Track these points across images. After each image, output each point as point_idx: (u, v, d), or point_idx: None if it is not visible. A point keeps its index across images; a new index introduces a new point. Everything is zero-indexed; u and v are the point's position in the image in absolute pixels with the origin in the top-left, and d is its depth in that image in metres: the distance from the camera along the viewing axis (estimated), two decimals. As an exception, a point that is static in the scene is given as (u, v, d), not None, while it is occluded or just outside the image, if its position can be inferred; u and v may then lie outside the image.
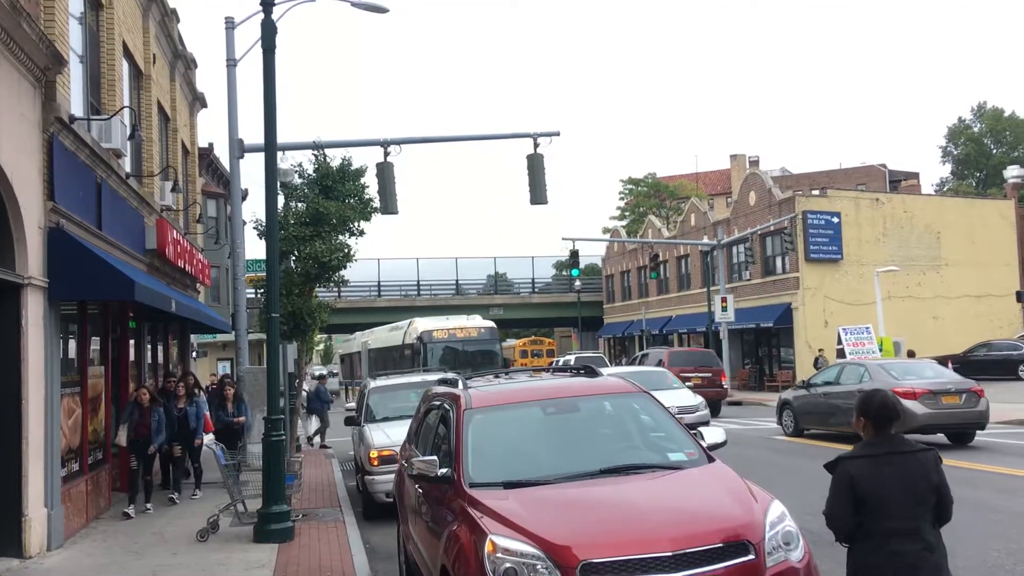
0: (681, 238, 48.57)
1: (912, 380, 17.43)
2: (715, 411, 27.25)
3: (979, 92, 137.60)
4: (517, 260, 61.22)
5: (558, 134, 19.86)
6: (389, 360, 36.17)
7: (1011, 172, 51.27)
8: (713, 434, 6.94)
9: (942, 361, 33.02)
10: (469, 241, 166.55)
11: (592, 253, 64.97)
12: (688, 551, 4.94)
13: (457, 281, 59.16)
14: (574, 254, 38.59)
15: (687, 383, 25.12)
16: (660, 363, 29.56)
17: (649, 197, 71.35)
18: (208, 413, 15.50)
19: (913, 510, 4.45)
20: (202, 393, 16.05)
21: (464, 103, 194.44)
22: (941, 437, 17.19)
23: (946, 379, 17.90)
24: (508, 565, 5.03)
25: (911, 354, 33.74)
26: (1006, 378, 31.73)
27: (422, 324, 32.72)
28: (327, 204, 16.77)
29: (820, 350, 35.97)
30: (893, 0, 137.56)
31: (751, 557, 5.03)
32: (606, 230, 68.76)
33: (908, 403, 16.18)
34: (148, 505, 13.24)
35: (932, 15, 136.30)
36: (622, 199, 74.66)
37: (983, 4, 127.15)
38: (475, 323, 33.34)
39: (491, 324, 33.72)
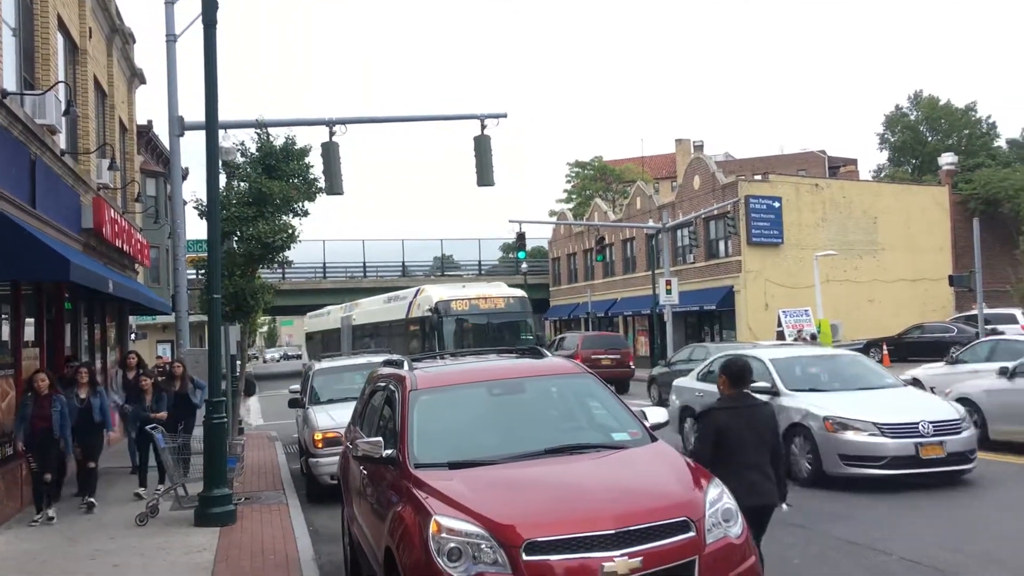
0: (627, 221, 48.93)
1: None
2: (622, 389, 28.19)
3: (916, 81, 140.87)
4: (464, 242, 61.10)
5: (505, 116, 19.81)
6: (387, 338, 30.24)
7: (945, 159, 52.57)
8: (656, 414, 7.04)
9: (876, 343, 34.01)
10: (416, 223, 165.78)
11: (539, 236, 65.22)
12: (631, 529, 5.02)
13: (403, 263, 58.83)
14: (521, 236, 38.63)
15: (600, 364, 27.39)
16: (576, 346, 31.26)
17: (595, 180, 71.69)
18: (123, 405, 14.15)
19: (759, 449, 6.12)
20: (122, 375, 14.77)
21: (412, 84, 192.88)
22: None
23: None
24: (453, 545, 5.06)
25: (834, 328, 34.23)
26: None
27: (436, 293, 26.06)
28: (270, 184, 16.52)
29: (799, 330, 36.03)
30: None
31: (692, 534, 5.13)
32: (553, 213, 68.94)
33: None
34: (51, 512, 10.94)
35: (873, 4, 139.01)
36: (569, 182, 74.91)
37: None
38: (501, 291, 26.73)
39: (520, 292, 27.48)
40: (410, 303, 27.70)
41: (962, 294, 41.43)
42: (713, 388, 9.43)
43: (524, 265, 48.98)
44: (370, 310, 33.64)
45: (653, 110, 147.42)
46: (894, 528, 9.10)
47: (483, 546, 5.01)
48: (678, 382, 16.50)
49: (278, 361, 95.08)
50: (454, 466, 5.90)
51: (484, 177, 19.89)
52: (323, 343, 40.96)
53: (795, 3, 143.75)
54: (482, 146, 19.75)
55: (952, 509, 9.87)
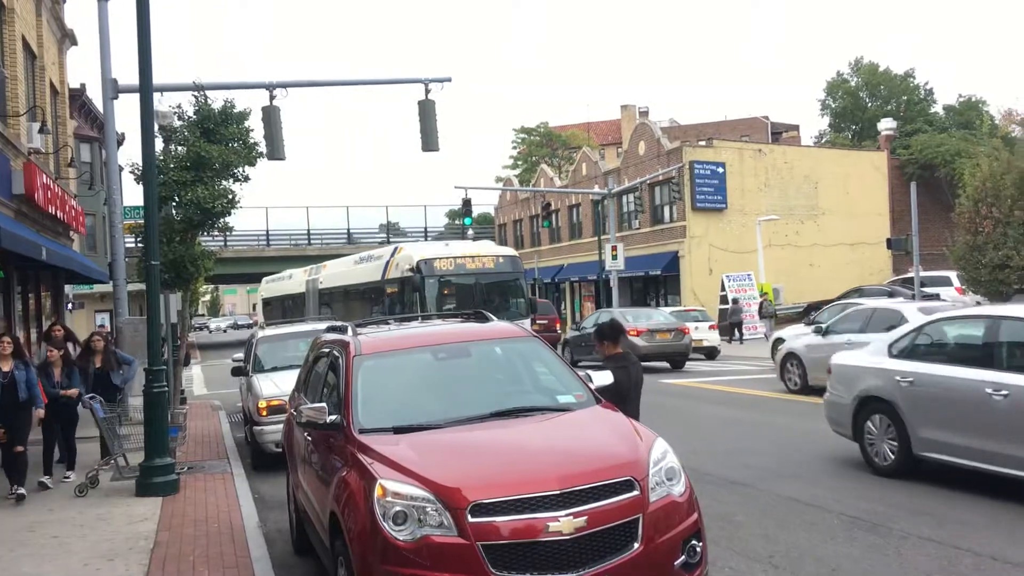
0: (573, 187, 49.00)
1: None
2: None
3: (857, 48, 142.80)
4: (410, 209, 61.22)
5: (449, 80, 19.61)
6: (359, 303, 27.62)
7: (884, 125, 53.50)
8: (601, 377, 7.07)
9: (816, 307, 34.72)
10: (361, 189, 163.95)
11: (485, 202, 65.08)
12: (576, 489, 5.05)
13: (349, 230, 58.24)
14: (467, 203, 38.46)
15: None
16: None
17: (542, 146, 71.54)
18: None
19: (638, 397, 7.46)
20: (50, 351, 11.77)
21: (355, 49, 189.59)
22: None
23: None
24: (398, 508, 5.04)
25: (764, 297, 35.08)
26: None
27: (416, 251, 23.36)
28: (209, 148, 16.11)
29: (734, 300, 36.71)
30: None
31: (636, 493, 5.18)
32: (499, 179, 68.72)
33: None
34: None
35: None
36: (515, 148, 74.65)
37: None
38: (490, 249, 24.20)
39: (511, 251, 25.11)
40: (386, 263, 24.65)
41: (899, 257, 42.43)
42: (929, 368, 8.93)
43: (470, 231, 48.82)
44: (339, 272, 30.13)
45: (599, 76, 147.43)
46: (836, 487, 9.32)
47: (429, 509, 5.01)
48: (845, 360, 11.07)
49: (225, 331, 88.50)
50: (399, 431, 5.87)
51: (429, 142, 19.72)
52: (283, 309, 37.16)
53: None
54: (426, 110, 19.55)
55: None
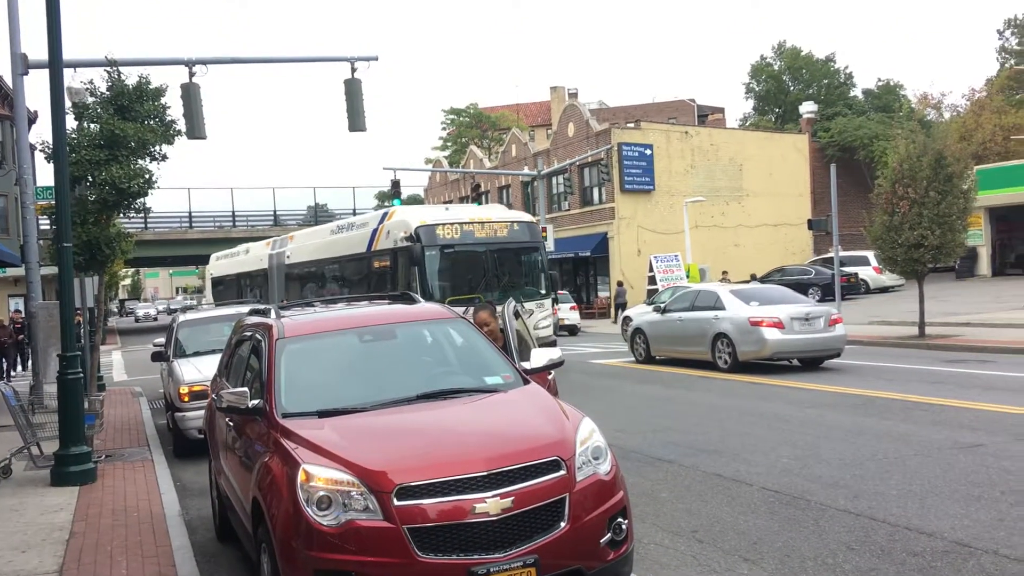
0: (502, 168, 48.94)
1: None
2: None
3: (780, 32, 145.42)
4: (338, 190, 60.19)
5: (376, 59, 19.36)
6: (339, 280, 23.74)
7: (806, 108, 54.76)
8: (544, 355, 7.09)
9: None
10: (288, 171, 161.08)
11: (414, 183, 64.68)
12: (502, 470, 5.03)
13: (275, 211, 57.29)
14: (396, 184, 38.17)
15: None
16: None
17: (471, 127, 71.25)
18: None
19: None
20: None
21: (281, 26, 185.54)
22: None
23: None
24: (322, 493, 4.96)
25: (724, 275, 36.00)
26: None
27: (413, 215, 19.68)
28: (124, 126, 15.56)
29: (619, 283, 37.83)
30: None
31: (562, 473, 5.19)
32: (428, 160, 68.32)
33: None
34: None
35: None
36: (444, 129, 74.20)
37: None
38: (502, 214, 20.72)
39: (527, 216, 21.72)
40: (374, 231, 20.68)
41: (820, 237, 43.57)
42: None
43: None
44: (312, 244, 25.65)
45: (527, 57, 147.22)
46: (755, 462, 9.52)
47: (353, 493, 4.94)
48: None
49: (155, 318, 76.54)
50: (323, 415, 5.78)
51: (355, 122, 19.44)
52: (240, 290, 32.44)
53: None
54: (353, 90, 19.26)
55: (805, 435, 10.41)
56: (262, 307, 8.50)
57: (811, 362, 17.71)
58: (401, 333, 6.90)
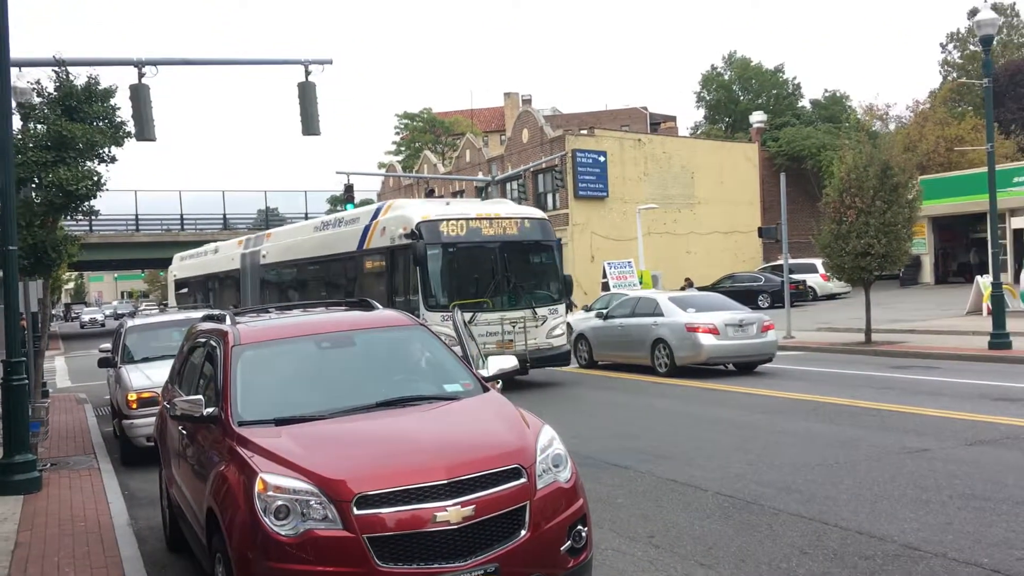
0: (456, 174, 48.87)
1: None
2: None
3: (731, 42, 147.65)
4: (290, 194, 59.52)
5: (330, 62, 19.15)
6: (323, 282, 21.64)
7: (755, 117, 55.61)
8: (502, 362, 7.08)
9: (694, 292, 35.94)
10: (239, 174, 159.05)
11: (368, 188, 64.02)
12: (463, 478, 5.02)
13: (225, 215, 56.40)
14: (349, 188, 37.90)
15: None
16: None
17: (425, 132, 71.07)
18: None
19: None
20: None
21: (234, 28, 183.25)
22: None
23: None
24: (280, 503, 4.89)
25: (689, 282, 36.40)
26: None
27: (414, 209, 17.82)
28: (72, 127, 15.18)
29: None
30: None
31: (523, 480, 5.19)
32: (382, 164, 67.91)
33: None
34: None
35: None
36: (398, 134, 73.90)
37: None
38: (512, 209, 18.66)
39: (539, 212, 19.46)
40: (366, 228, 18.74)
41: (770, 245, 44.23)
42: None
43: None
44: (292, 243, 23.17)
45: (482, 63, 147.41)
46: (710, 467, 9.62)
47: (312, 502, 4.88)
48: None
49: (103, 323, 70.96)
50: (281, 423, 5.70)
51: (309, 126, 19.22)
52: (207, 292, 29.78)
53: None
54: (307, 93, 19.04)
55: (757, 440, 10.55)
56: (216, 313, 8.37)
57: (745, 367, 18.17)
58: (360, 340, 6.84)
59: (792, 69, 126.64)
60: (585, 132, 45.80)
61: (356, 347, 6.74)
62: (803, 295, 38.03)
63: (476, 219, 17.26)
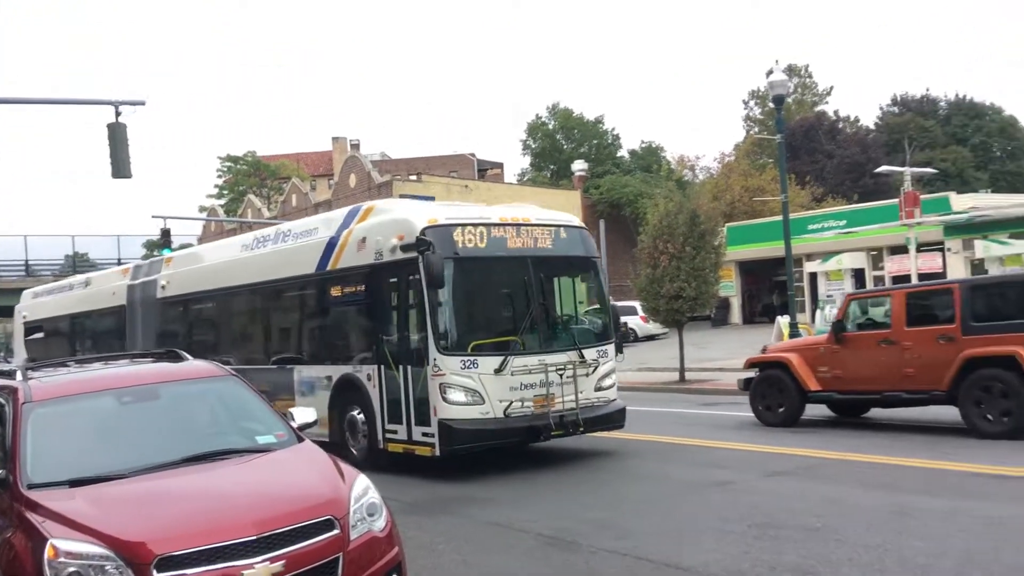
0: (282, 218, 47.87)
1: None
2: None
3: (555, 93, 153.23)
4: (101, 239, 56.20)
5: (143, 103, 18.54)
6: (255, 317, 16.06)
7: (577, 166, 57.97)
8: (303, 414, 6.95)
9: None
10: (45, 218, 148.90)
11: (188, 232, 61.66)
12: (273, 533, 4.95)
13: (27, 261, 52.65)
14: (166, 233, 36.48)
15: None
16: None
17: (249, 176, 69.36)
18: None
19: None
20: None
21: (42, 66, 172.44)
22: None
23: None
24: (72, 569, 4.65)
25: None
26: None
27: (411, 212, 12.55)
28: None
29: None
30: (477, 2, 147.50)
31: (336, 532, 5.16)
32: (203, 208, 65.63)
33: None
34: None
35: (517, 19, 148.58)
36: (220, 177, 71.72)
37: (557, 13, 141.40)
38: (541, 214, 13.27)
39: (576, 220, 14.04)
40: (333, 241, 13.52)
41: (592, 289, 45.68)
42: None
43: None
44: (207, 268, 17.39)
45: (310, 107, 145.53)
46: (533, 507, 9.81)
47: (108, 567, 4.66)
48: None
49: None
50: (76, 484, 5.43)
51: (120, 169, 18.48)
52: (71, 337, 23.41)
53: (446, 12, 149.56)
54: (117, 135, 18.33)
55: (572, 478, 10.87)
56: (6, 368, 7.83)
57: None
58: (165, 393, 6.59)
59: (611, 120, 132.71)
60: (414, 178, 46.10)
61: (161, 401, 6.50)
62: (625, 336, 39.47)
63: (499, 225, 12.29)
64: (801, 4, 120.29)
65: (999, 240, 33.18)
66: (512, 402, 11.36)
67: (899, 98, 71.13)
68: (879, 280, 36.62)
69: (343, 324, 13.71)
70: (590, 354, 12.55)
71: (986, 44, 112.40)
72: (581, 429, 11.97)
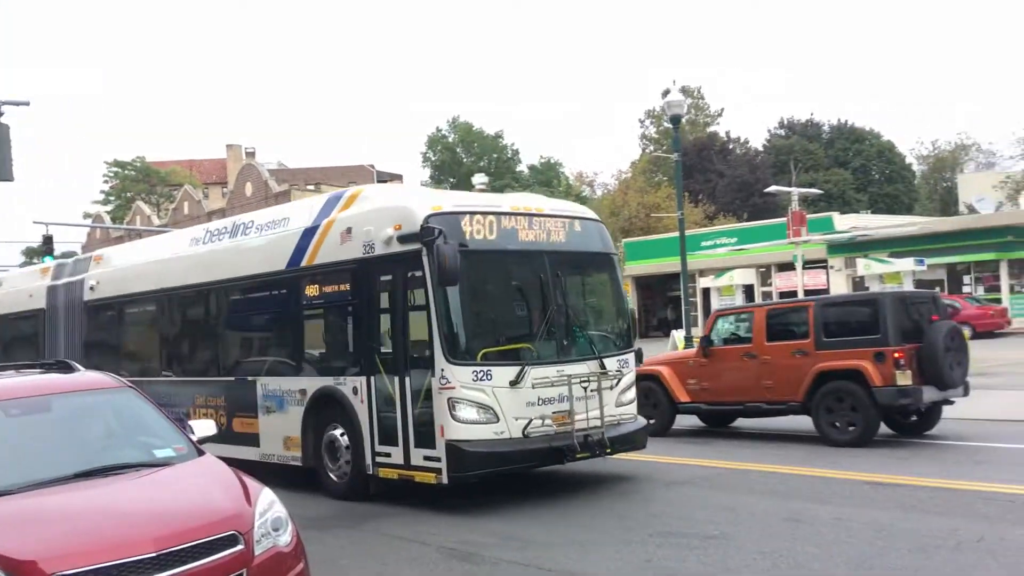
0: (173, 226, 46.46)
1: None
2: None
3: (454, 106, 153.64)
4: (-25, 246, 53.03)
5: (28, 104, 17.79)
6: (208, 323, 13.72)
7: (477, 179, 58.23)
8: (203, 427, 6.76)
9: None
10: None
11: (72, 239, 59.28)
12: (174, 549, 4.80)
13: None
14: (48, 239, 34.90)
15: None
16: None
17: (138, 182, 67.10)
18: None
19: None
20: None
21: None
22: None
23: None
24: (-45, 593, 4.37)
25: None
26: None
27: (411, 199, 10.76)
28: None
29: None
30: (387, 11, 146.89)
31: (239, 547, 5.04)
32: (88, 215, 63.02)
33: None
34: None
35: (412, 31, 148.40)
36: (107, 182, 69.14)
37: (457, 27, 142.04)
38: (556, 205, 12.00)
39: (591, 212, 12.32)
40: (309, 232, 11.62)
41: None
42: None
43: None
44: (146, 266, 15.13)
45: (203, 113, 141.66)
46: (436, 520, 9.77)
47: (-3, 589, 4.41)
48: None
49: None
50: (-41, 501, 5.11)
51: (1, 171, 17.59)
52: (32, 336, 18.68)
53: (345, 22, 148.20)
54: (-1, 135, 17.45)
55: (473, 495, 10.88)
56: None
57: None
58: (57, 405, 6.31)
59: (511, 136, 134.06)
60: (312, 187, 45.48)
61: (52, 413, 6.21)
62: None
63: (511, 214, 10.64)
64: (696, 28, 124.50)
65: (879, 259, 34.98)
66: (531, 419, 9.78)
67: (786, 122, 74.28)
68: (767, 295, 38.05)
69: (321, 329, 11.86)
70: (611, 364, 10.95)
71: (867, 72, 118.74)
72: (608, 450, 10.58)
